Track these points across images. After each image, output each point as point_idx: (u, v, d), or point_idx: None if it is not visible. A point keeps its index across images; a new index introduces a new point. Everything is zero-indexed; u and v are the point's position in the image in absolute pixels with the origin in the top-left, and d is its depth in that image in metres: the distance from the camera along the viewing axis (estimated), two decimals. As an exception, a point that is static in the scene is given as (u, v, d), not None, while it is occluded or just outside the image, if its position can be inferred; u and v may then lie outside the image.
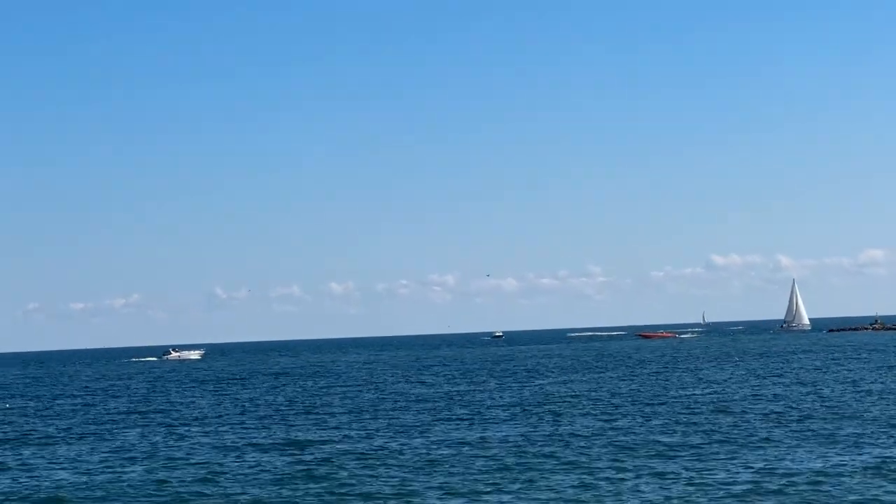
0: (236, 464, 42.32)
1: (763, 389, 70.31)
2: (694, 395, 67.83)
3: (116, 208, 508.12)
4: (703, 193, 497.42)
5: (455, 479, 37.00)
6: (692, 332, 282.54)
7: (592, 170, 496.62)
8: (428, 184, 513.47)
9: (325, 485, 36.79)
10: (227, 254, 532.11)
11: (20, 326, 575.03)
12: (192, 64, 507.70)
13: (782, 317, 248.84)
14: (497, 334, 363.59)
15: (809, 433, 45.70)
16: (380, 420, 57.90)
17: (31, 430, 60.01)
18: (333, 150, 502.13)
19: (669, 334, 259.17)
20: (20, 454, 48.57)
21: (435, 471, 38.79)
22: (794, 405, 58.29)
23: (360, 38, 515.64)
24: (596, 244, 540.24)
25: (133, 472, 41.46)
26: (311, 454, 44.29)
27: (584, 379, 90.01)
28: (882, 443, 42.20)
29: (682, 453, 41.01)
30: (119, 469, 42.30)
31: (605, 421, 53.28)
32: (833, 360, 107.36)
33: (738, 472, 36.39)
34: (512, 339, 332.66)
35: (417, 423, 55.18)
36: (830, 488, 33.39)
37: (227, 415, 65.14)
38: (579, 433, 48.31)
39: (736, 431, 47.00)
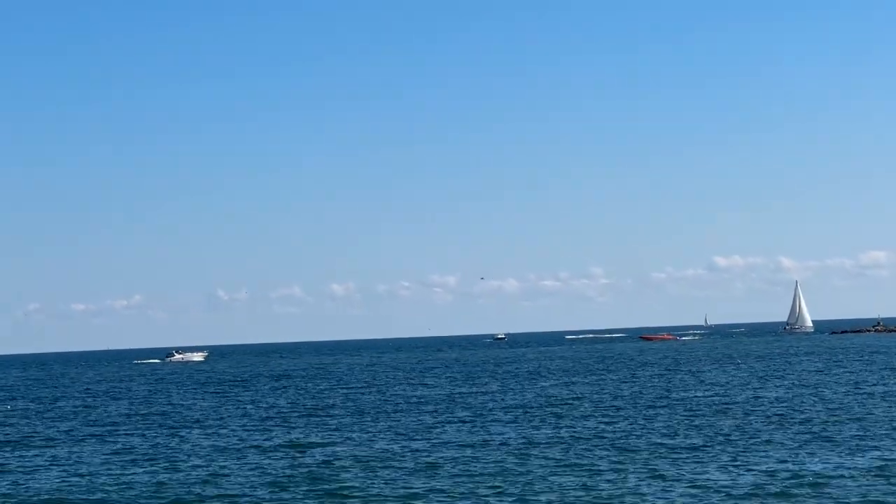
0: (238, 466, 42.28)
1: (765, 392, 70.23)
2: (696, 397, 67.74)
3: (117, 209, 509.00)
4: (705, 195, 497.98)
5: (456, 481, 36.95)
6: (694, 334, 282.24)
7: (594, 171, 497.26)
8: (429, 185, 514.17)
9: (326, 487, 36.74)
10: (228, 255, 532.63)
11: (21, 327, 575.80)
12: (192, 64, 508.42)
13: (784, 319, 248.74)
14: (499, 336, 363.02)
15: (812, 435, 45.63)
16: (381, 422, 57.86)
17: (33, 432, 59.98)
18: (334, 150, 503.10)
19: (670, 336, 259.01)
20: (22, 456, 48.53)
21: (437, 473, 38.74)
22: (796, 408, 58.22)
23: (361, 39, 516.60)
24: (598, 246, 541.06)
25: (135, 473, 41.42)
26: (313, 456, 44.25)
27: (585, 381, 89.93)
28: (885, 445, 42.12)
29: (684, 455, 40.94)
30: (121, 471, 42.26)
31: (607, 423, 53.22)
32: (836, 362, 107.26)
33: (740, 475, 36.34)
34: (513, 340, 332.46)
35: (419, 426, 55.14)
36: (832, 490, 33.33)
37: (230, 417, 65.10)
38: (581, 435, 48.25)
39: (738, 434, 46.93)
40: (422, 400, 73.68)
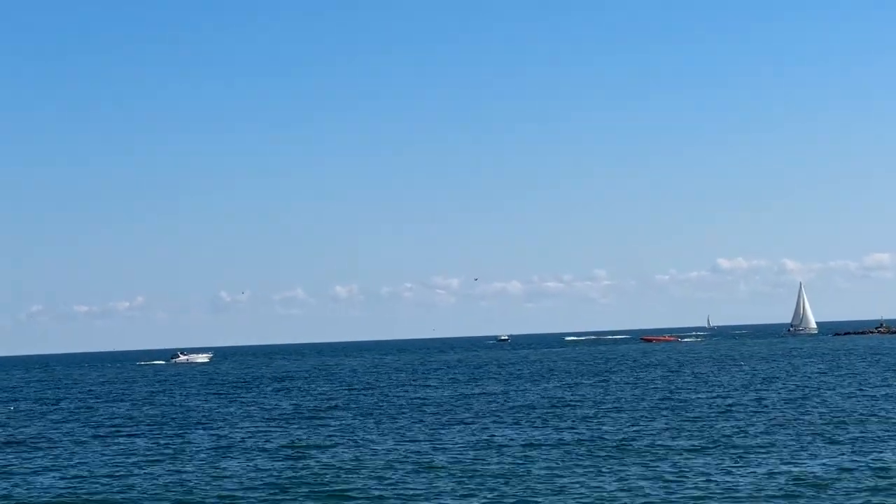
0: (240, 467, 42.28)
1: (768, 393, 70.17)
2: (698, 398, 67.68)
3: (120, 210, 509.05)
4: (709, 197, 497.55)
5: (458, 482, 36.94)
6: (695, 336, 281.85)
7: (597, 172, 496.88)
8: (431, 187, 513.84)
9: (328, 489, 36.74)
10: (231, 257, 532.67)
11: (24, 329, 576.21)
12: (193, 65, 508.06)
13: (788, 320, 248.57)
14: (502, 337, 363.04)
15: (815, 437, 45.59)
16: (383, 424, 57.85)
17: (35, 433, 60.01)
18: (337, 152, 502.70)
19: (672, 338, 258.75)
20: (25, 457, 48.55)
21: (438, 474, 38.73)
22: (799, 409, 58.16)
23: (365, 40, 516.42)
24: (601, 248, 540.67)
25: (137, 475, 41.42)
26: (315, 458, 44.24)
27: (587, 382, 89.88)
28: (888, 447, 42.07)
29: (686, 456, 40.90)
30: (124, 472, 42.27)
31: (608, 425, 53.18)
32: (839, 363, 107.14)
33: (742, 476, 36.31)
34: (516, 342, 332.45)
35: (421, 427, 55.12)
36: (835, 492, 33.30)
37: (233, 418, 65.10)
38: (583, 437, 48.21)
39: (740, 435, 46.89)
40: (424, 401, 73.66)
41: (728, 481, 35.54)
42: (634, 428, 51.31)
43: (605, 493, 34.27)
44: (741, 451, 42.14)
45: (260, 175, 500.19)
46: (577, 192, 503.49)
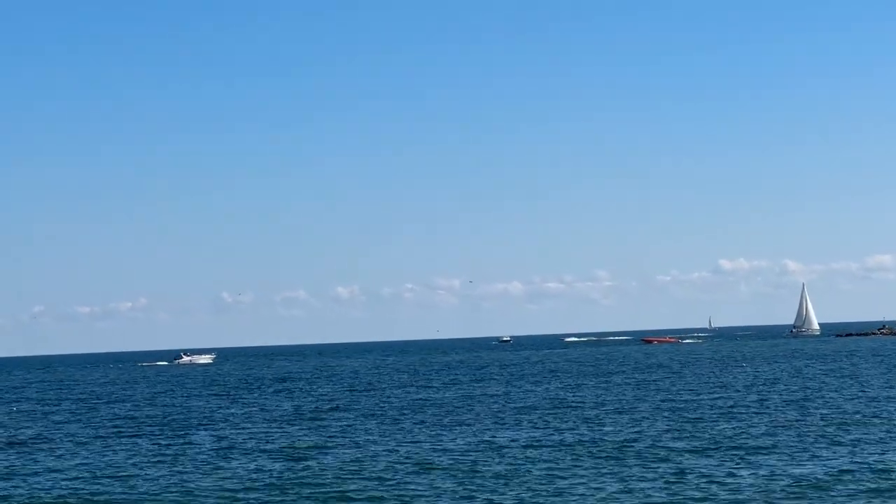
0: (242, 468, 42.27)
1: (770, 394, 70.12)
2: (700, 399, 67.62)
3: (122, 211, 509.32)
4: (710, 198, 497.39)
5: (459, 484, 36.92)
6: (696, 337, 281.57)
7: (599, 174, 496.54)
8: (434, 188, 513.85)
9: (329, 490, 36.72)
10: (233, 258, 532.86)
11: (26, 329, 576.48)
12: (195, 66, 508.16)
13: (789, 322, 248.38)
14: (504, 339, 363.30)
15: (817, 438, 45.53)
16: (385, 425, 57.83)
17: (38, 434, 60.01)
18: (339, 153, 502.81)
19: (673, 339, 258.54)
20: (26, 458, 48.56)
21: (440, 476, 38.71)
22: (801, 411, 58.12)
23: (366, 40, 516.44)
24: (602, 249, 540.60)
25: (139, 476, 41.42)
26: (317, 459, 44.24)
27: (589, 384, 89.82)
28: (891, 448, 42.02)
29: (688, 458, 40.88)
30: (126, 473, 42.26)
31: (610, 426, 53.15)
32: (842, 365, 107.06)
33: (744, 478, 36.27)
34: (518, 343, 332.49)
35: (423, 429, 55.11)
36: (837, 494, 33.27)
37: (235, 419, 65.10)
38: (585, 438, 48.18)
39: (743, 436, 46.84)
40: (426, 403, 73.65)
41: (730, 483, 35.51)
42: (635, 429, 51.27)
43: (606, 495, 34.24)
44: (743, 452, 42.09)
45: (261, 175, 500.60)
46: (578, 193, 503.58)
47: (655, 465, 39.43)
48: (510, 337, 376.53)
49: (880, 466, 37.67)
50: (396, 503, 34.37)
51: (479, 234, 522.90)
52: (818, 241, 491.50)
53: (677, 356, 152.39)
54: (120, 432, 59.38)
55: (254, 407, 75.41)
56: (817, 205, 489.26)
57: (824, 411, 57.26)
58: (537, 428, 53.41)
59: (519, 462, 41.27)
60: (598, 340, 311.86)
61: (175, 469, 42.87)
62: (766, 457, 40.72)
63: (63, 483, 40.62)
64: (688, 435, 48.24)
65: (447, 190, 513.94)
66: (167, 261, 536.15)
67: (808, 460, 39.66)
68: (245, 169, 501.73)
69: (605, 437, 48.25)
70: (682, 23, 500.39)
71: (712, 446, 44.05)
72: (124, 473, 42.25)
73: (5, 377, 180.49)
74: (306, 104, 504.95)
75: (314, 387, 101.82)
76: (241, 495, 36.40)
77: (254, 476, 40.14)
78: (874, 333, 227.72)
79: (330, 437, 52.57)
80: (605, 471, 38.61)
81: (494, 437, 49.96)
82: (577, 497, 34.12)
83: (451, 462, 41.87)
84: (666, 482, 35.94)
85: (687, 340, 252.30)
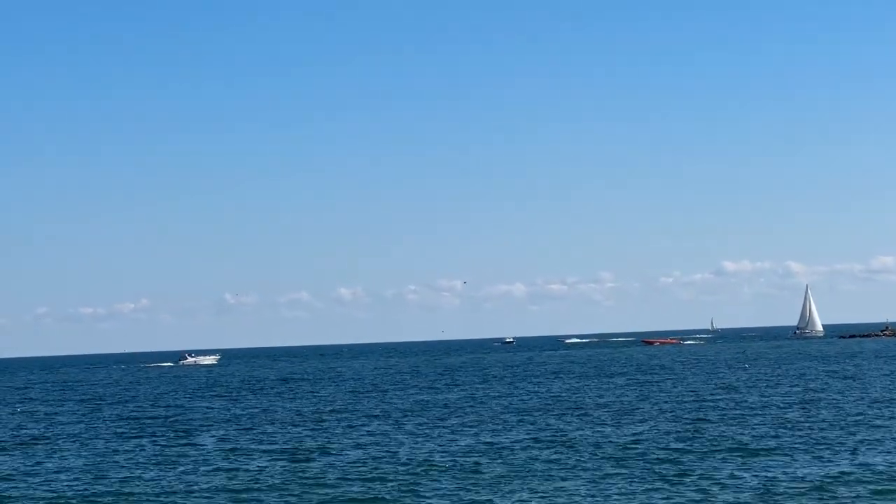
0: (246, 469, 42.31)
1: (774, 396, 70.08)
2: (702, 401, 67.59)
3: (125, 212, 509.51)
4: (714, 199, 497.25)
5: (461, 485, 36.95)
6: (697, 339, 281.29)
7: (602, 175, 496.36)
8: (437, 189, 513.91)
9: (333, 492, 36.76)
10: (236, 259, 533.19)
11: (29, 331, 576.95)
12: (199, 67, 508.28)
13: (792, 323, 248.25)
14: (507, 340, 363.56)
15: (821, 440, 45.52)
16: (388, 427, 57.86)
17: (40, 435, 60.06)
18: (343, 154, 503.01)
19: (674, 340, 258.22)
20: (30, 459, 48.61)
21: (443, 477, 38.73)
22: (805, 412, 58.09)
23: (372, 42, 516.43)
24: (605, 250, 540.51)
25: (142, 477, 41.47)
26: (320, 461, 44.29)
27: (592, 385, 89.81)
28: (895, 449, 42.03)
29: (691, 460, 40.88)
30: (129, 474, 42.31)
31: (612, 427, 53.15)
32: (846, 366, 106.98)
33: (747, 480, 36.28)
34: (521, 345, 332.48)
35: (426, 430, 55.13)
36: (840, 496, 33.26)
37: (238, 420, 65.15)
38: (588, 439, 48.18)
39: (746, 438, 46.82)
40: (429, 404, 73.66)
41: (732, 484, 35.52)
42: (637, 430, 51.27)
43: (609, 495, 34.26)
44: (746, 454, 42.08)
45: (263, 176, 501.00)
46: (581, 195, 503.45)
47: (657, 467, 39.44)
48: (513, 338, 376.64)
49: (884, 468, 37.67)
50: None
51: (482, 235, 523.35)
52: (821, 243, 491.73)
53: (679, 357, 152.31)
54: (123, 433, 59.43)
55: (258, 408, 75.45)
56: (820, 206, 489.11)
57: (828, 413, 57.22)
58: (540, 429, 53.42)
59: (522, 463, 41.28)
60: (600, 342, 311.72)
61: (178, 470, 42.91)
62: (769, 458, 40.72)
63: (66, 484, 40.67)
64: (690, 436, 48.24)
65: (450, 191, 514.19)
66: (170, 262, 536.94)
67: (811, 462, 39.66)
68: (248, 170, 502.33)
69: (608, 439, 48.25)
70: (684, 23, 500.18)
71: (714, 448, 44.05)
72: (127, 474, 42.29)
73: (8, 378, 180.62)
74: (308, 104, 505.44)
75: (318, 388, 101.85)
76: (244, 496, 36.44)
77: (257, 477, 40.18)
78: (877, 335, 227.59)
79: (333, 438, 52.60)
80: (607, 472, 38.62)
81: (497, 438, 49.98)
82: (580, 498, 34.14)
83: (454, 463, 41.89)
84: (668, 483, 35.95)
85: (688, 342, 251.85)
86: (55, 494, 38.45)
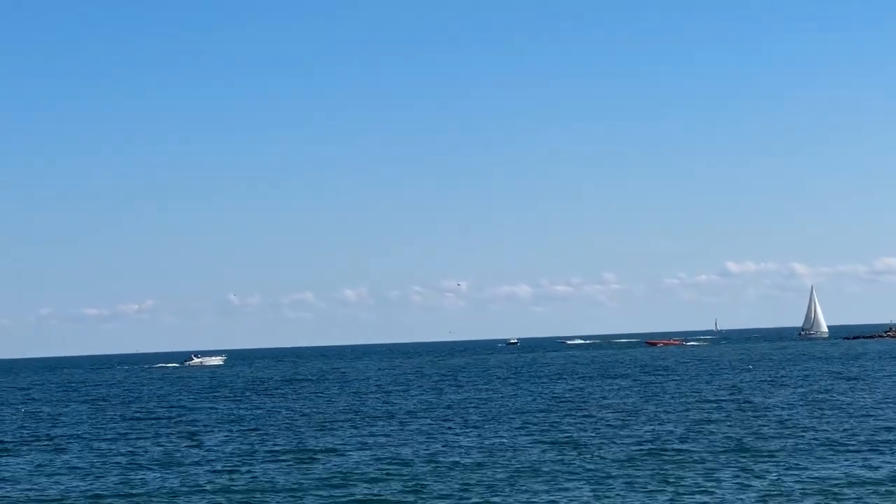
0: (249, 470, 42.30)
1: (778, 397, 70.00)
2: (705, 402, 67.52)
3: (129, 213, 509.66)
4: (718, 200, 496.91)
5: (464, 486, 36.93)
6: (700, 340, 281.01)
7: (606, 176, 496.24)
8: (441, 189, 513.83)
9: (337, 492, 36.75)
10: (240, 260, 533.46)
11: (33, 331, 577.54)
12: (202, 68, 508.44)
13: (796, 324, 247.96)
14: (512, 341, 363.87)
15: (825, 442, 45.45)
16: (393, 427, 57.85)
17: (44, 435, 60.08)
18: (345, 155, 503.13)
19: (676, 342, 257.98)
20: (34, 459, 48.62)
21: (448, 478, 38.70)
22: (810, 414, 58.01)
23: (376, 42, 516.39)
24: (610, 251, 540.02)
25: (146, 477, 41.47)
26: (323, 462, 44.28)
27: (594, 386, 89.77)
28: (897, 452, 42.01)
29: (694, 461, 40.83)
30: (132, 475, 42.32)
31: (615, 429, 53.10)
32: (850, 368, 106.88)
33: (750, 482, 36.23)
34: (525, 345, 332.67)
35: (430, 431, 55.12)
36: (844, 498, 33.20)
37: (243, 421, 65.15)
38: (591, 441, 48.13)
39: (749, 440, 46.76)
40: (433, 405, 73.64)
41: (736, 486, 35.46)
42: (640, 431, 51.22)
43: (613, 497, 34.22)
44: (749, 455, 42.02)
45: (268, 177, 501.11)
46: (585, 196, 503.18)
47: (661, 468, 39.38)
48: (517, 339, 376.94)
49: (890, 470, 37.59)
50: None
51: (486, 236, 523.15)
52: (825, 244, 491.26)
53: (682, 358, 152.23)
54: (128, 434, 59.44)
55: (261, 409, 75.46)
56: (824, 207, 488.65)
57: (832, 414, 57.13)
58: (543, 430, 53.38)
59: (526, 464, 41.26)
60: (602, 343, 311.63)
61: (183, 471, 42.91)
62: (774, 460, 40.64)
63: (70, 484, 40.67)
64: (693, 438, 48.18)
65: (454, 192, 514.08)
66: (174, 263, 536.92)
67: (816, 463, 39.59)
68: (251, 170, 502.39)
69: (612, 440, 48.21)
70: (687, 23, 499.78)
71: (718, 449, 43.98)
72: (132, 475, 42.30)
73: (13, 379, 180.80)
74: (310, 105, 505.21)
75: (322, 389, 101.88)
76: (249, 497, 36.43)
77: (262, 478, 40.17)
78: (881, 336, 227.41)
79: (338, 439, 52.58)
80: (611, 473, 38.58)
81: (501, 439, 49.95)
82: (584, 499, 34.10)
83: (458, 464, 41.87)
84: (672, 485, 35.90)
85: (691, 343, 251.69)
86: (59, 495, 38.44)
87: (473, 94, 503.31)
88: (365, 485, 37.96)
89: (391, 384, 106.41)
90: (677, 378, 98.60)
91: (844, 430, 49.54)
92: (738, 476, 37.26)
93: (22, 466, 46.37)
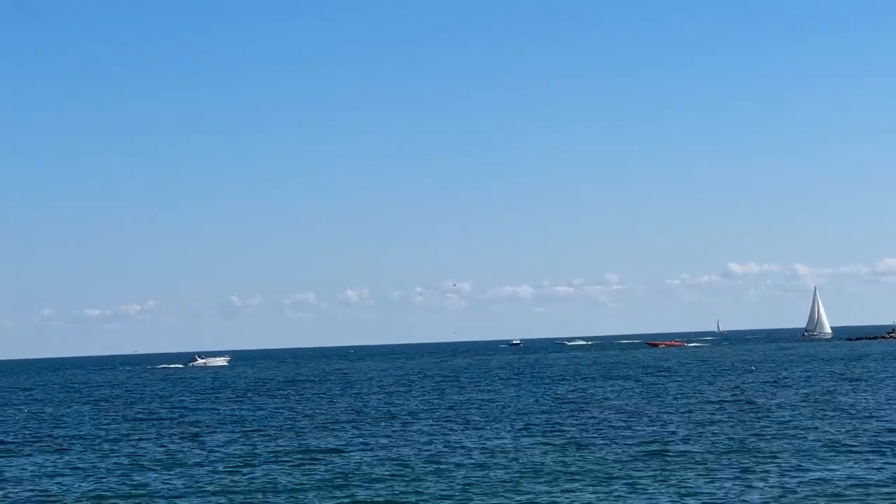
0: (252, 471, 42.30)
1: (780, 400, 69.95)
2: (708, 404, 67.47)
3: (131, 213, 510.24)
4: (720, 201, 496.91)
5: (466, 487, 36.91)
6: (702, 341, 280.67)
7: (609, 177, 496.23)
8: (442, 190, 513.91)
9: (339, 493, 36.74)
10: (241, 260, 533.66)
11: (35, 332, 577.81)
12: (205, 68, 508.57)
13: (799, 325, 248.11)
14: (514, 342, 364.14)
15: (828, 444, 45.40)
16: (395, 428, 57.84)
17: (47, 436, 60.09)
18: (348, 156, 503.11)
19: (678, 343, 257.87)
20: (36, 460, 48.62)
21: (450, 479, 38.69)
22: (813, 416, 57.96)
23: (376, 42, 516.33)
24: (612, 252, 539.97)
25: (149, 478, 41.47)
26: (326, 463, 44.27)
27: (596, 387, 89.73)
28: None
29: (697, 463, 40.80)
30: (135, 476, 42.31)
31: (618, 429, 53.07)
32: (854, 369, 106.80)
33: (752, 483, 36.19)
34: (528, 346, 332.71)
35: (433, 432, 55.09)
36: (848, 500, 33.16)
37: (246, 422, 65.15)
38: (593, 442, 48.10)
39: (752, 442, 46.72)
40: (436, 406, 73.63)
41: (738, 488, 35.43)
42: (643, 433, 51.19)
43: (615, 498, 34.20)
44: (752, 457, 41.99)
45: (270, 178, 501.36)
46: (587, 197, 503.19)
47: (663, 469, 39.35)
48: (520, 340, 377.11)
49: (892, 472, 37.55)
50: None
51: (488, 237, 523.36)
52: (828, 245, 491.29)
53: (685, 359, 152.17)
54: (131, 435, 59.44)
55: (263, 410, 75.46)
56: (827, 208, 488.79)
57: (836, 415, 57.07)
58: (546, 431, 53.36)
59: (529, 465, 41.24)
60: (604, 343, 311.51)
61: (186, 472, 42.90)
62: (777, 461, 40.60)
63: (73, 485, 40.66)
64: (696, 439, 48.14)
65: (456, 193, 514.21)
66: (175, 263, 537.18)
67: (817, 465, 39.54)
68: (253, 171, 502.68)
69: (613, 440, 48.18)
70: (687, 23, 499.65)
71: (720, 450, 43.95)
72: (134, 476, 42.29)
73: (15, 379, 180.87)
74: (311, 105, 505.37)
75: (324, 390, 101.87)
76: (251, 498, 36.42)
77: (264, 479, 40.16)
78: (884, 337, 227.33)
79: (340, 440, 52.58)
80: (614, 474, 38.55)
81: (504, 440, 49.93)
82: (587, 500, 34.07)
83: (460, 465, 41.85)
84: (673, 486, 35.87)
85: (693, 344, 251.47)
86: (62, 495, 38.44)
87: (473, 94, 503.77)
88: (367, 485, 37.94)
89: (393, 385, 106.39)
90: (679, 379, 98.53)
91: (847, 431, 49.49)
92: (740, 477, 37.22)
93: (25, 467, 46.38)
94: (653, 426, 54.29)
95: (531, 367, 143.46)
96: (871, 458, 40.86)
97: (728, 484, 36.04)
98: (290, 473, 41.30)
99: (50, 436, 60.60)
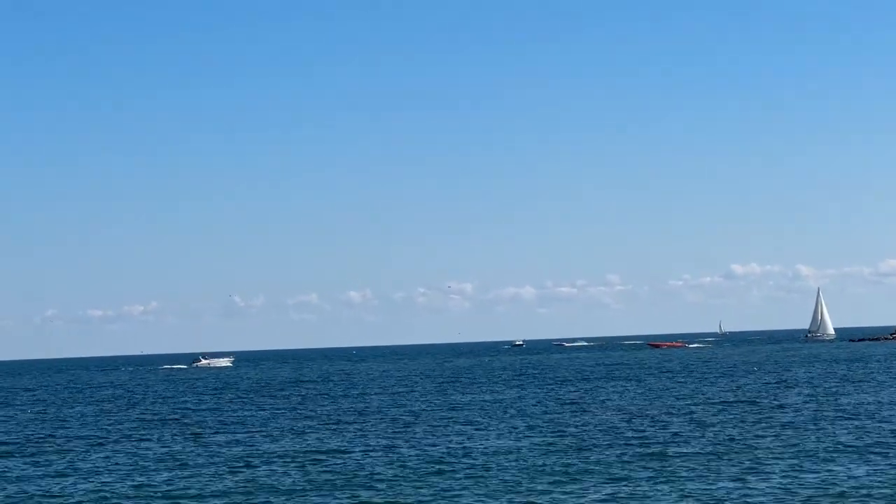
0: (255, 472, 42.34)
1: (782, 401, 69.94)
2: (710, 405, 67.49)
3: (134, 214, 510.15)
4: (723, 202, 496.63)
5: (468, 488, 36.94)
6: (704, 342, 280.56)
7: (611, 178, 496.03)
8: (445, 190, 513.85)
9: (342, 494, 36.78)
10: (244, 261, 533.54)
11: (38, 333, 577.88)
12: (207, 69, 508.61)
13: (801, 326, 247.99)
14: (517, 343, 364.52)
15: (831, 445, 45.41)
16: (398, 429, 57.87)
17: (49, 437, 60.15)
18: (351, 157, 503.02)
19: (680, 343, 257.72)
20: (38, 460, 48.68)
21: (453, 480, 38.72)
22: (816, 417, 57.97)
23: (376, 42, 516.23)
24: (615, 253, 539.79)
25: (152, 479, 41.51)
26: (328, 463, 44.31)
27: (598, 388, 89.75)
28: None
29: (699, 464, 40.81)
30: (138, 476, 42.35)
31: (620, 430, 53.09)
32: (856, 370, 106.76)
33: (753, 484, 36.21)
34: (531, 347, 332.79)
35: (436, 432, 55.12)
36: (849, 502, 33.18)
37: (249, 423, 65.20)
38: (595, 442, 48.13)
39: (754, 442, 46.73)
40: (438, 406, 73.64)
41: (739, 489, 35.45)
42: (645, 433, 51.21)
43: (618, 499, 34.22)
44: (753, 458, 42.01)
45: (272, 178, 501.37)
46: (590, 198, 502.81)
47: (665, 469, 39.37)
48: (523, 341, 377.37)
49: (894, 475, 37.55)
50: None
51: (491, 238, 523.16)
52: (830, 246, 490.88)
53: (687, 360, 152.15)
54: (134, 435, 59.50)
55: (268, 411, 75.51)
56: (829, 209, 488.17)
57: (839, 417, 57.07)
58: (547, 431, 53.38)
59: (530, 465, 41.27)
60: (605, 345, 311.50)
61: (189, 472, 42.95)
62: (779, 462, 40.61)
63: (75, 486, 40.71)
64: (698, 440, 48.16)
65: (460, 193, 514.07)
66: (179, 264, 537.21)
67: (820, 466, 39.56)
68: (256, 171, 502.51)
69: (616, 441, 48.21)
70: (687, 23, 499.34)
71: (722, 451, 43.97)
72: (137, 476, 42.34)
73: (18, 380, 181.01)
74: (315, 105, 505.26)
75: (328, 391, 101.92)
76: (254, 499, 36.46)
77: (267, 480, 40.20)
78: (887, 338, 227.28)
79: (343, 440, 52.62)
80: (616, 475, 38.58)
81: (506, 440, 49.96)
82: (589, 500, 34.10)
83: (463, 466, 41.89)
84: (676, 486, 35.89)
85: (694, 345, 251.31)
86: (65, 496, 38.49)
87: (473, 94, 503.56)
88: (369, 486, 37.97)
89: (396, 386, 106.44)
90: (682, 380, 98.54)
91: (850, 432, 49.49)
92: (742, 478, 37.23)
93: (28, 467, 46.43)
94: (654, 427, 54.31)
95: (533, 368, 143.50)
96: (875, 459, 40.87)
97: (730, 485, 36.05)
98: (293, 474, 41.35)
99: (53, 436, 60.67)
